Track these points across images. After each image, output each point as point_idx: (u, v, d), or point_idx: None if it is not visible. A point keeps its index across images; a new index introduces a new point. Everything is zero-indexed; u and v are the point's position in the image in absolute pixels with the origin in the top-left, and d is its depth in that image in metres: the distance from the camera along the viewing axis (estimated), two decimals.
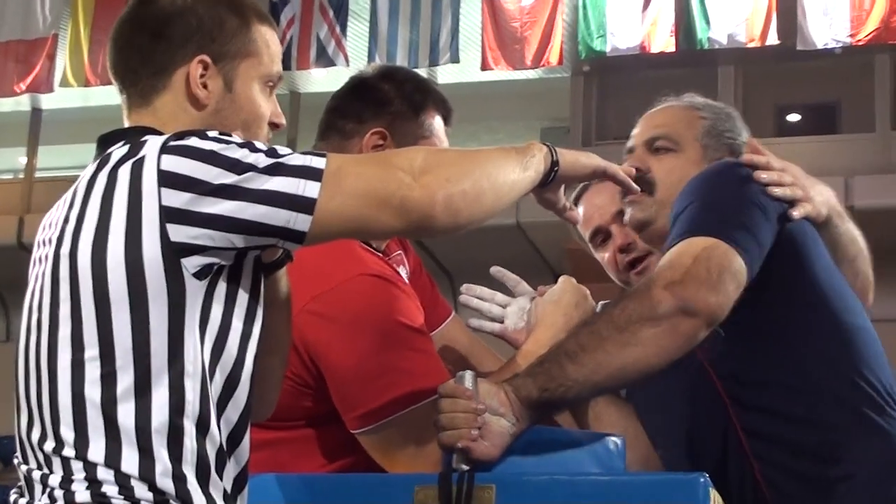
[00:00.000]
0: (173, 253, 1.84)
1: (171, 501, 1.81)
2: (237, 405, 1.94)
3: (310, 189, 1.87)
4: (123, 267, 1.84)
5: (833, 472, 2.31)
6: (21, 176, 19.69)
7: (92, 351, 1.84)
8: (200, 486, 1.84)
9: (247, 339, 1.94)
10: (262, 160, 1.87)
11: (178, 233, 1.84)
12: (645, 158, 2.69)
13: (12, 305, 18.78)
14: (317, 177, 1.88)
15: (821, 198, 2.55)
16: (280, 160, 1.88)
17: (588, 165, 2.27)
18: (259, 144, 1.91)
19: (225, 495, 1.89)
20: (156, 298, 1.84)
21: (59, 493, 1.82)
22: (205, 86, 2.06)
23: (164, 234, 1.84)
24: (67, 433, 1.84)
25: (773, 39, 15.23)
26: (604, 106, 17.68)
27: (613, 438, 2.25)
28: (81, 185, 1.96)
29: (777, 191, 2.45)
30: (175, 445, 1.83)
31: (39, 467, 1.87)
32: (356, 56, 16.33)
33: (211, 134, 1.90)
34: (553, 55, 15.94)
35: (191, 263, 1.85)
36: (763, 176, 2.46)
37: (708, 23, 15.51)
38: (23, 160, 19.73)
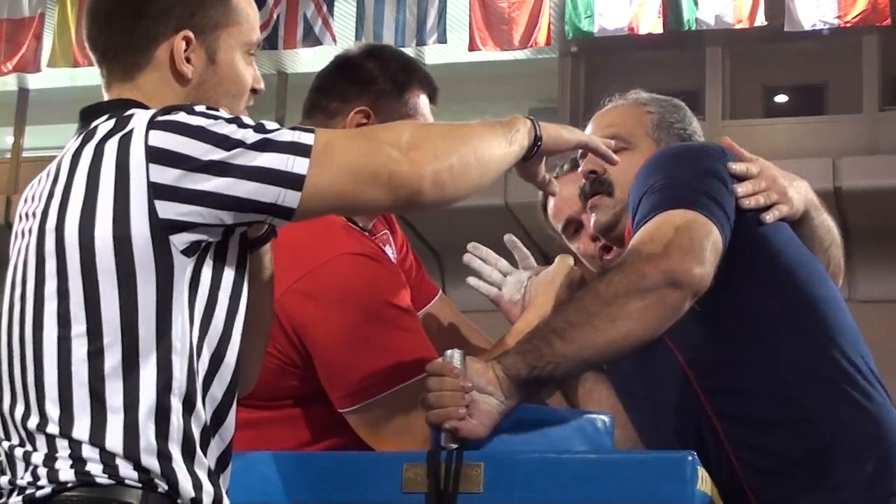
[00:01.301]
0: (161, 230, 1.83)
1: (155, 480, 1.80)
2: (222, 382, 1.93)
3: (299, 165, 1.86)
4: (111, 243, 1.82)
5: (808, 448, 2.32)
6: (8, 156, 19.66)
7: (79, 327, 1.83)
8: (185, 465, 1.83)
9: (233, 316, 1.94)
10: (251, 136, 1.86)
11: (167, 209, 1.83)
12: (599, 160, 2.70)
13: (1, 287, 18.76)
14: (306, 152, 1.87)
15: (798, 195, 2.56)
16: (269, 136, 1.87)
17: (570, 139, 2.28)
18: (247, 119, 1.90)
19: (209, 473, 1.88)
20: (144, 275, 1.82)
21: (42, 472, 1.81)
22: (188, 60, 2.05)
23: (152, 211, 1.82)
24: (52, 410, 1.83)
25: (760, 20, 15.24)
26: (592, 87, 17.67)
27: (601, 417, 2.26)
28: (66, 160, 1.94)
29: (751, 201, 2.46)
30: (161, 423, 1.82)
31: (22, 444, 1.86)
32: (343, 36, 16.31)
33: (198, 109, 1.89)
34: (541, 36, 15.93)
35: (179, 240, 1.84)
36: (739, 189, 2.46)
37: (696, 3, 15.52)
38: (10, 140, 19.70)
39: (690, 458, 2.05)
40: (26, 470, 1.83)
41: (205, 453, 1.88)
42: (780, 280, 2.43)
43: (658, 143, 2.71)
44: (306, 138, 1.89)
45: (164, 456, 1.81)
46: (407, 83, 2.66)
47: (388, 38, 15.66)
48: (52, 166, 1.99)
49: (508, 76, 18.49)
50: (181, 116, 1.87)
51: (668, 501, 2.04)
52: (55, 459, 1.81)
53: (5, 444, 1.89)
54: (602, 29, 15.73)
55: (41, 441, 1.83)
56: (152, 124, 1.86)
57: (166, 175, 1.83)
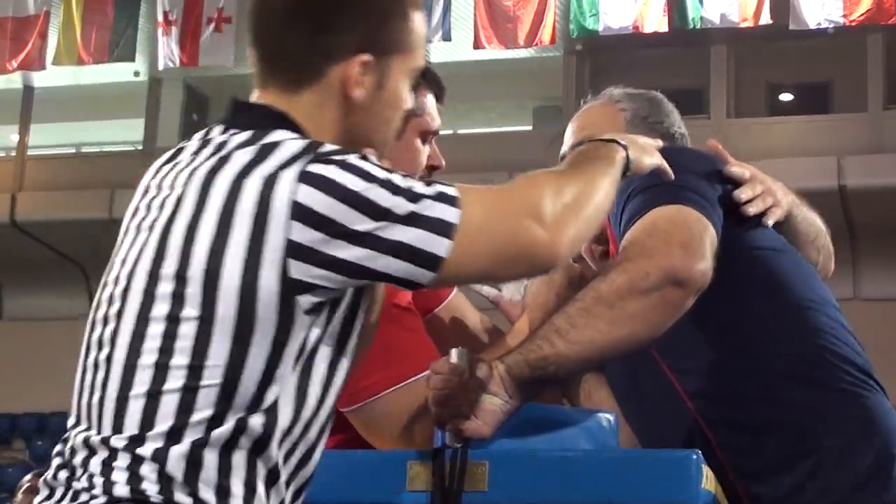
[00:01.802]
0: (290, 288, 1.77)
1: None
2: (298, 434, 1.86)
3: (441, 246, 1.81)
4: (237, 291, 1.77)
5: (798, 450, 2.31)
6: (13, 154, 19.67)
7: (181, 360, 1.77)
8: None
9: (331, 379, 1.89)
10: (402, 206, 1.80)
11: (299, 270, 1.77)
12: None
13: (7, 284, 18.76)
14: (449, 234, 1.81)
15: (786, 198, 2.56)
16: (417, 208, 1.80)
17: (650, 166, 2.22)
18: (398, 180, 1.82)
19: None
20: (262, 331, 1.77)
21: (98, 481, 1.77)
22: (359, 83, 1.96)
23: (284, 268, 1.77)
24: (129, 425, 1.78)
25: (765, 19, 15.24)
26: (596, 85, 17.59)
27: (606, 415, 2.25)
28: (196, 173, 1.86)
29: (752, 207, 2.46)
30: (225, 458, 1.77)
31: (85, 449, 1.81)
32: None
33: (353, 162, 1.81)
34: (546, 34, 15.94)
35: (305, 301, 1.79)
36: (742, 196, 2.46)
37: (701, 2, 15.53)
38: (15, 138, 19.71)
39: (695, 456, 2.05)
40: (83, 473, 1.79)
41: (267, 498, 1.82)
42: (765, 283, 2.42)
43: None
44: (451, 215, 1.82)
45: (222, 491, 1.76)
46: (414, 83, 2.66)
47: None
48: (173, 171, 1.91)
49: (513, 74, 18.48)
50: (334, 172, 1.79)
51: (673, 500, 2.04)
52: (112, 470, 1.76)
53: (78, 430, 1.85)
54: (607, 27, 15.74)
55: (103, 450, 1.79)
56: (303, 177, 1.78)
57: (307, 236, 1.77)
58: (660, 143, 2.30)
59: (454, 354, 2.14)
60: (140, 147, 19.16)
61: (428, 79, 2.68)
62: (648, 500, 2.06)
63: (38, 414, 18.29)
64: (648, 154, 2.21)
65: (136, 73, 19.01)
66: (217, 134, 1.93)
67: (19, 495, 7.49)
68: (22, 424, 18.54)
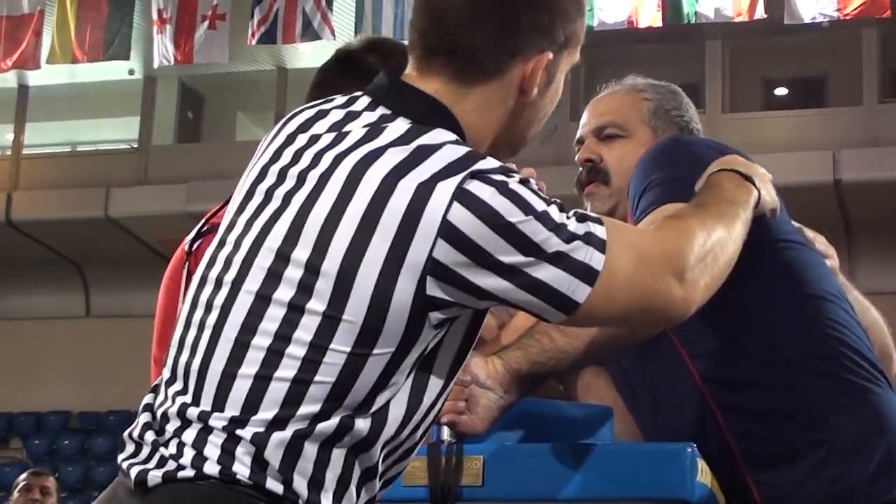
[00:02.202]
0: (424, 304, 1.72)
1: (298, 502, 1.71)
2: (405, 436, 1.82)
3: (579, 292, 1.75)
4: (369, 298, 1.71)
5: (809, 440, 2.32)
6: (8, 153, 19.64)
7: (298, 351, 1.72)
8: (334, 500, 1.74)
9: (447, 381, 1.84)
10: (552, 243, 1.73)
11: (436, 288, 1.72)
12: (595, 148, 2.69)
13: (3, 283, 18.74)
14: (591, 280, 1.76)
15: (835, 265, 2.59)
16: (565, 248, 1.74)
17: (772, 207, 2.25)
18: (555, 214, 1.76)
19: None
20: (386, 340, 1.72)
21: (188, 451, 1.72)
22: (536, 82, 1.91)
23: (421, 283, 1.71)
24: (230, 407, 1.72)
25: (760, 13, 15.22)
26: (592, 80, 17.63)
27: (602, 409, 2.26)
28: (345, 149, 1.79)
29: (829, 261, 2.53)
30: (325, 452, 1.73)
31: (182, 414, 1.75)
32: (342, 30, 16.28)
33: (512, 187, 1.73)
34: None
35: (436, 317, 1.74)
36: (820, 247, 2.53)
37: None
38: (10, 137, 19.69)
39: (690, 449, 2.06)
40: (174, 441, 1.74)
41: (357, 495, 1.78)
42: (786, 273, 2.43)
43: (655, 130, 2.70)
44: (597, 261, 1.76)
45: (315, 483, 1.72)
46: None
47: (387, 32, 15.60)
48: (314, 145, 1.83)
49: None
50: (492, 196, 1.72)
51: (667, 493, 2.05)
52: (206, 445, 1.71)
53: (171, 394, 1.79)
54: (601, 23, 15.70)
55: (199, 425, 1.73)
56: (459, 195, 1.71)
57: (451, 257, 1.71)
58: (771, 176, 2.28)
59: None
60: (135, 145, 19.15)
61: None
62: (644, 493, 2.06)
63: (35, 413, 18.28)
64: (769, 192, 2.21)
65: (131, 72, 18.98)
66: (365, 109, 1.86)
67: (15, 493, 7.48)
68: (19, 424, 18.52)
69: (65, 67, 17.59)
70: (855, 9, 15.05)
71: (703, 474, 2.09)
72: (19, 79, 19.18)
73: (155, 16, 16.83)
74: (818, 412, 2.34)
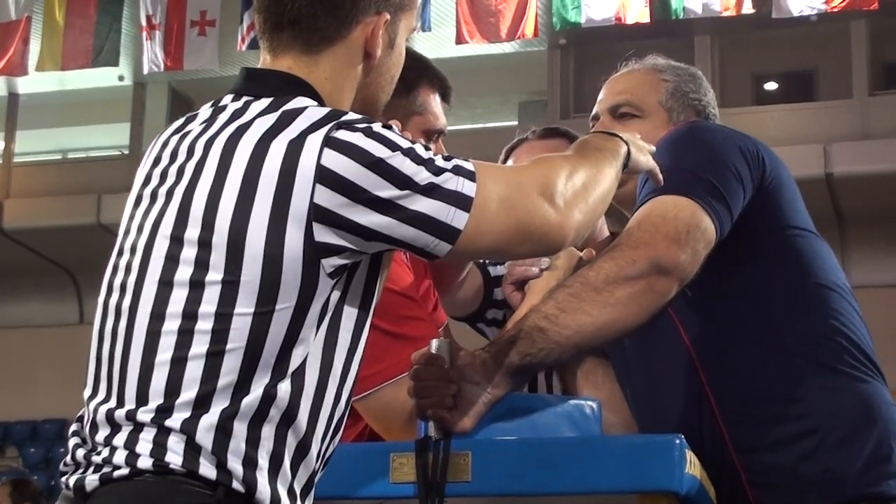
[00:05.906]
0: (314, 251, 1.80)
1: (234, 483, 1.75)
2: (330, 403, 1.88)
3: (457, 219, 1.85)
4: (261, 254, 1.78)
5: (800, 428, 2.32)
6: None
7: (205, 325, 1.78)
8: (269, 477, 1.79)
9: (356, 343, 1.91)
10: (423, 176, 1.84)
11: (324, 234, 1.80)
12: (610, 125, 2.69)
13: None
14: (466, 206, 1.86)
15: None
16: (437, 180, 1.85)
17: (645, 167, 2.28)
18: (420, 150, 1.86)
19: (290, 492, 1.83)
20: (286, 293, 1.79)
21: (120, 452, 1.77)
22: (378, 43, 2.01)
23: (308, 232, 1.79)
24: (154, 398, 1.78)
25: (748, 8, 15.21)
26: (581, 78, 17.66)
27: (589, 403, 2.25)
28: (217, 140, 1.89)
29: None
30: (255, 430, 1.77)
31: (107, 426, 1.80)
32: None
33: (377, 130, 1.85)
34: (528, 27, 15.89)
35: (329, 263, 1.81)
36: None
37: None
38: (0, 145, 19.66)
39: (678, 441, 2.05)
40: (105, 447, 1.79)
41: (293, 473, 1.83)
42: (793, 261, 2.44)
43: (670, 113, 2.70)
44: (469, 188, 1.87)
45: (249, 462, 1.77)
46: (416, 81, 2.63)
47: None
48: (187, 139, 1.94)
49: (497, 69, 18.46)
50: (359, 139, 1.82)
51: (657, 485, 2.04)
52: (137, 443, 1.76)
53: (97, 402, 1.84)
54: (589, 19, 15.69)
55: (128, 425, 1.78)
56: (328, 142, 1.81)
57: (332, 200, 1.79)
58: (653, 147, 2.32)
59: (434, 345, 2.15)
60: (126, 152, 19.13)
61: (430, 77, 2.67)
62: (633, 486, 2.06)
63: (30, 421, 18.27)
64: (644, 154, 2.26)
65: (121, 78, 18.96)
66: (230, 102, 1.96)
67: None
68: (14, 432, 18.51)
69: (54, 75, 17.55)
70: (843, 1, 15.05)
71: (692, 466, 2.08)
72: (9, 87, 19.18)
73: (144, 22, 16.80)
74: (811, 402, 2.34)
